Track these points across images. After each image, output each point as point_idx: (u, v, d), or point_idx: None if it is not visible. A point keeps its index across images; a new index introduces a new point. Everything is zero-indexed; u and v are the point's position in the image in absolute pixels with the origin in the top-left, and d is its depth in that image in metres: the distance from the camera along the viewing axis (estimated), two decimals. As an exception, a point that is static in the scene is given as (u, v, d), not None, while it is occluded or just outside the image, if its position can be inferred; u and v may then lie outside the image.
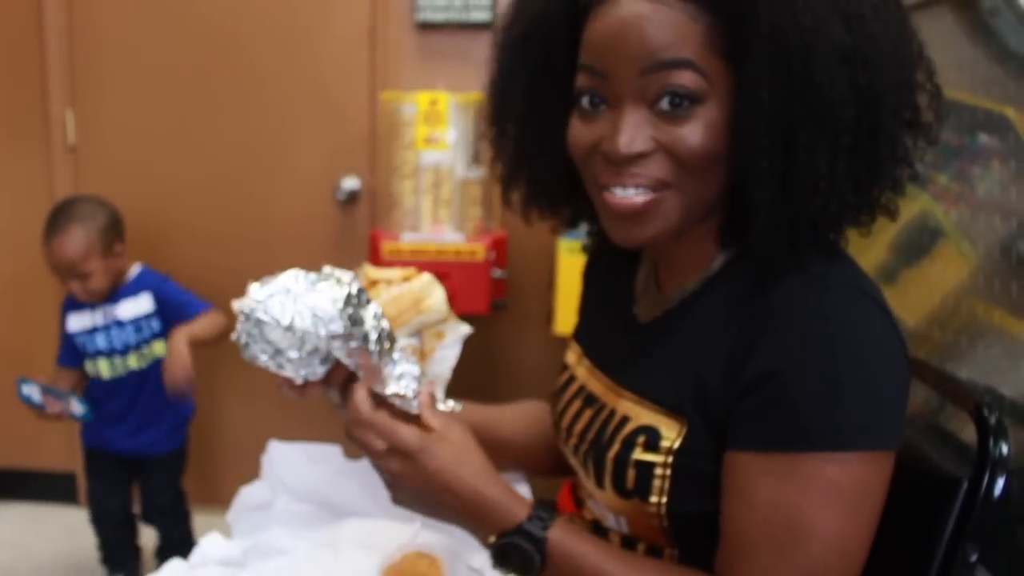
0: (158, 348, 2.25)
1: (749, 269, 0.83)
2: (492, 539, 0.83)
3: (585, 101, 0.83)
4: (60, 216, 2.14)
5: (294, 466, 1.18)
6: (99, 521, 2.37)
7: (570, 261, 2.18)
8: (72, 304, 2.23)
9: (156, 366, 2.23)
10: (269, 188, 2.71)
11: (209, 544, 1.09)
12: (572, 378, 1.03)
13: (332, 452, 1.19)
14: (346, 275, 0.87)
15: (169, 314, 2.25)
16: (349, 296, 0.84)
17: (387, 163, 2.52)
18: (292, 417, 2.34)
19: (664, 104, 0.78)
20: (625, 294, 1.01)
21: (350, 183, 2.64)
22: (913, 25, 0.81)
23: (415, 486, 0.85)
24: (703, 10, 0.77)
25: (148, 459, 2.33)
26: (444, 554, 1.09)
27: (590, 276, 1.14)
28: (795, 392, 0.74)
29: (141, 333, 2.23)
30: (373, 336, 0.84)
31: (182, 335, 2.14)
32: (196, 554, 1.08)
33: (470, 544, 1.12)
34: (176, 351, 2.12)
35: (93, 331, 2.22)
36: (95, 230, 2.13)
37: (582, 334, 1.09)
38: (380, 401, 0.86)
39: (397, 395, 0.86)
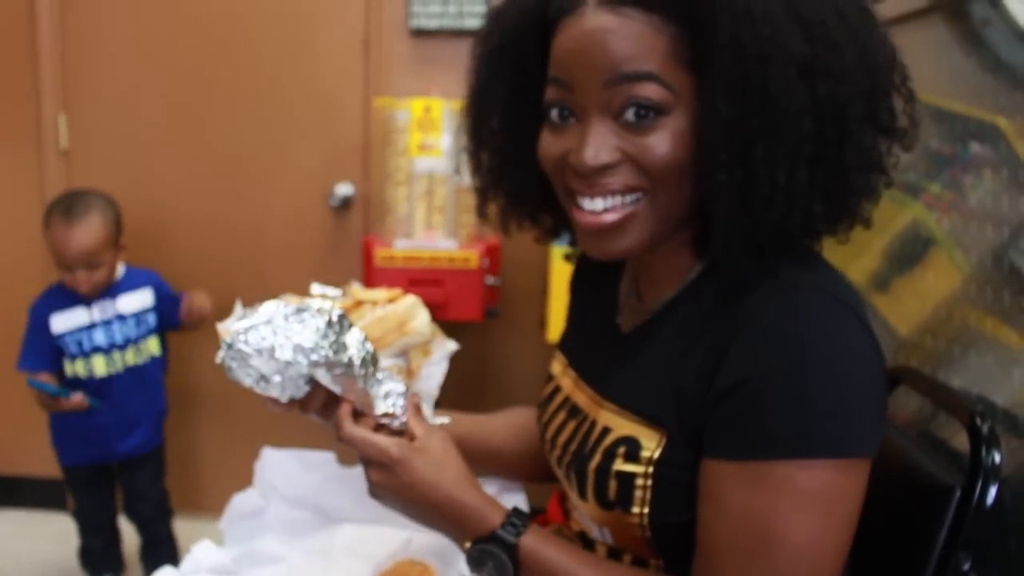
0: (152, 345, 2.30)
1: (720, 279, 0.83)
2: (468, 545, 0.86)
3: (554, 114, 0.84)
4: (76, 205, 2.13)
5: (286, 473, 1.18)
6: (90, 533, 2.36)
7: (563, 268, 2.17)
8: (55, 304, 2.21)
9: (150, 363, 2.29)
10: (263, 194, 2.71)
11: (201, 552, 1.09)
12: (558, 389, 1.04)
13: (325, 459, 1.19)
14: (327, 303, 0.88)
15: (164, 310, 2.32)
16: (330, 323, 0.85)
17: (381, 169, 2.53)
18: (274, 422, 2.33)
19: (629, 115, 0.79)
20: (609, 304, 1.01)
21: (344, 189, 2.64)
22: (884, 32, 0.80)
23: (395, 494, 0.88)
24: (667, 21, 0.77)
25: (135, 458, 2.33)
26: (436, 561, 1.08)
27: (576, 285, 1.14)
28: (764, 400, 0.74)
29: (140, 327, 2.26)
30: (357, 361, 0.86)
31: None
32: (187, 562, 1.08)
33: (460, 552, 1.12)
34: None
35: (91, 327, 2.21)
36: (111, 221, 2.18)
37: (567, 344, 1.09)
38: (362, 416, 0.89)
39: (386, 414, 0.89)
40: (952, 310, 1.20)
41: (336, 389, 0.87)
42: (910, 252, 1.36)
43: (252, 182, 2.70)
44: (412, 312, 1.01)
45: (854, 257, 1.53)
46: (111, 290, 2.23)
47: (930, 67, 1.37)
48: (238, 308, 0.87)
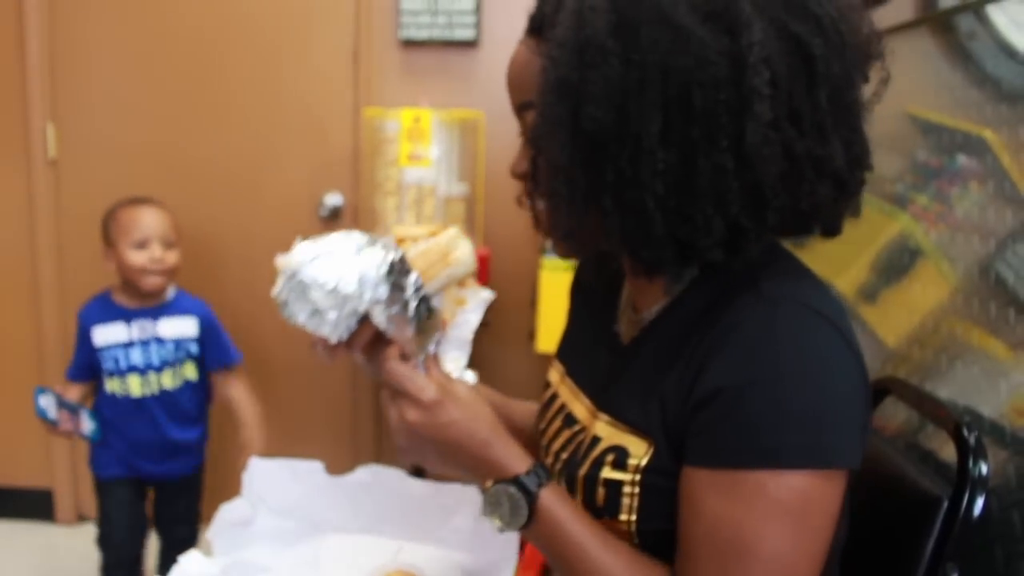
0: (189, 371, 2.20)
1: (707, 288, 0.84)
2: (489, 484, 0.86)
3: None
4: (139, 198, 2.16)
5: (275, 482, 1.17)
6: (115, 556, 2.23)
7: (552, 279, 2.19)
8: (99, 316, 2.14)
9: (186, 388, 2.19)
10: (252, 204, 2.70)
11: (189, 562, 1.08)
12: (555, 396, 1.04)
13: (314, 468, 1.18)
14: (391, 242, 0.89)
15: (208, 348, 2.22)
16: (393, 263, 0.86)
17: (370, 180, 2.53)
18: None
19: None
20: (609, 311, 1.01)
21: (333, 199, 2.64)
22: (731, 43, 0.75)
23: (428, 435, 0.87)
24: (541, 44, 0.80)
25: (171, 482, 2.26)
26: (424, 571, 1.08)
27: (575, 292, 1.14)
28: (738, 410, 0.74)
29: (179, 352, 2.17)
30: (413, 303, 0.87)
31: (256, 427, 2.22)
32: (175, 572, 1.07)
33: (451, 561, 1.12)
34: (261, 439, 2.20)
35: (129, 345, 2.13)
36: (173, 218, 2.17)
37: (566, 352, 1.10)
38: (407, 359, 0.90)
39: (430, 357, 0.91)
40: (939, 321, 1.21)
41: (389, 329, 0.87)
42: (897, 263, 1.37)
43: (241, 192, 2.70)
44: (455, 243, 1.01)
45: (842, 268, 1.54)
46: (155, 310, 2.15)
47: (917, 80, 1.38)
48: (300, 246, 0.87)
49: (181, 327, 2.17)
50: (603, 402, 0.91)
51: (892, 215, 1.41)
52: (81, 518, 2.92)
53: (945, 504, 0.92)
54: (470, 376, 0.98)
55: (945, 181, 1.26)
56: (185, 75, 2.65)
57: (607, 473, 0.85)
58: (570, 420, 0.97)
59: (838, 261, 1.54)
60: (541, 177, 0.84)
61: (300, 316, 0.87)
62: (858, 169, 0.80)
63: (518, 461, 0.86)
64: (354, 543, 1.15)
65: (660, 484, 0.81)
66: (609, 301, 1.02)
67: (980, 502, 0.91)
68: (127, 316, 2.13)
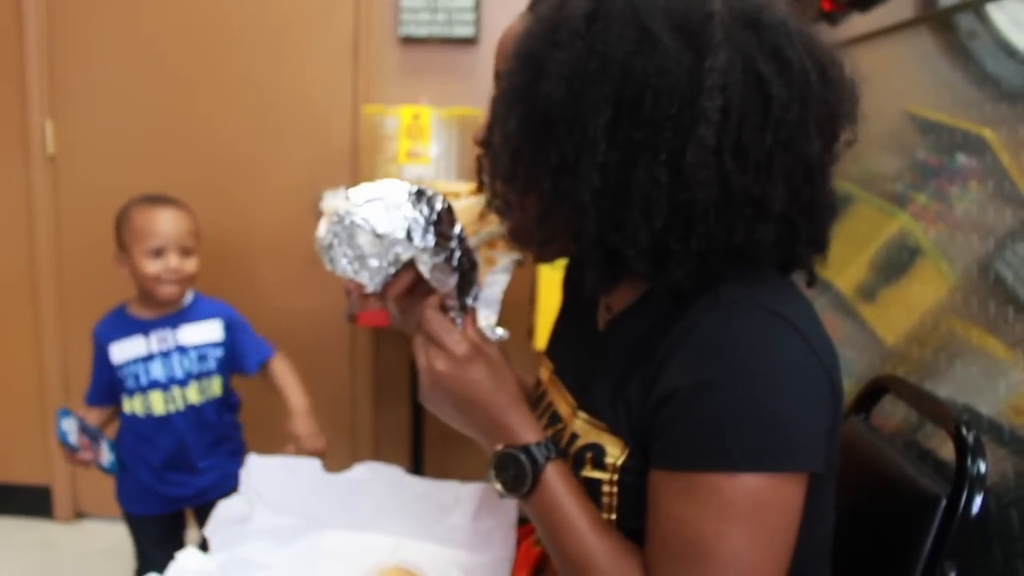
0: (216, 386, 2.00)
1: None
2: (499, 447, 0.87)
3: None
4: (156, 197, 1.96)
5: (272, 479, 1.17)
6: None
7: (550, 277, 2.18)
8: (115, 332, 1.96)
9: (211, 404, 2.00)
10: (251, 200, 2.70)
11: (185, 558, 1.08)
12: (543, 395, 1.05)
13: (311, 465, 1.18)
14: (439, 193, 0.89)
15: (239, 349, 2.04)
16: (441, 213, 0.87)
17: (369, 176, 2.52)
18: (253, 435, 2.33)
19: None
20: (593, 309, 1.02)
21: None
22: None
23: (451, 388, 0.89)
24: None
25: (209, 502, 2.06)
26: (422, 568, 1.08)
27: (567, 287, 1.15)
28: (692, 412, 0.74)
29: (204, 362, 1.98)
30: (457, 254, 0.88)
31: (302, 415, 1.97)
32: (172, 569, 1.07)
33: (448, 558, 1.12)
34: (308, 427, 1.96)
35: (149, 359, 1.94)
36: (193, 217, 1.98)
37: (554, 348, 1.11)
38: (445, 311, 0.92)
39: (468, 313, 0.92)
40: (938, 320, 1.20)
41: (433, 278, 0.89)
42: (897, 262, 1.37)
43: (240, 189, 2.69)
44: None
45: (841, 267, 1.54)
46: (173, 318, 1.98)
47: (917, 78, 1.38)
48: (352, 190, 0.88)
49: (204, 332, 2.00)
50: (583, 401, 0.92)
51: (891, 214, 1.41)
52: (79, 515, 2.92)
53: (943, 502, 0.92)
54: (501, 333, 0.99)
55: (945, 180, 1.26)
56: (184, 72, 2.64)
57: (587, 472, 0.85)
58: (555, 418, 0.97)
59: (837, 260, 1.53)
60: (493, 148, 0.86)
61: (342, 261, 0.89)
62: (810, 222, 0.80)
63: (532, 432, 0.87)
64: (351, 540, 1.15)
65: (637, 484, 0.81)
66: (593, 297, 1.02)
67: (978, 500, 0.91)
68: (144, 328, 1.96)
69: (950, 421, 0.98)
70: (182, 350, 1.96)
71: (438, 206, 0.87)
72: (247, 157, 2.67)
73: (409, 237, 0.85)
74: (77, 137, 2.68)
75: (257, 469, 1.17)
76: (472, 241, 0.95)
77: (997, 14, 1.21)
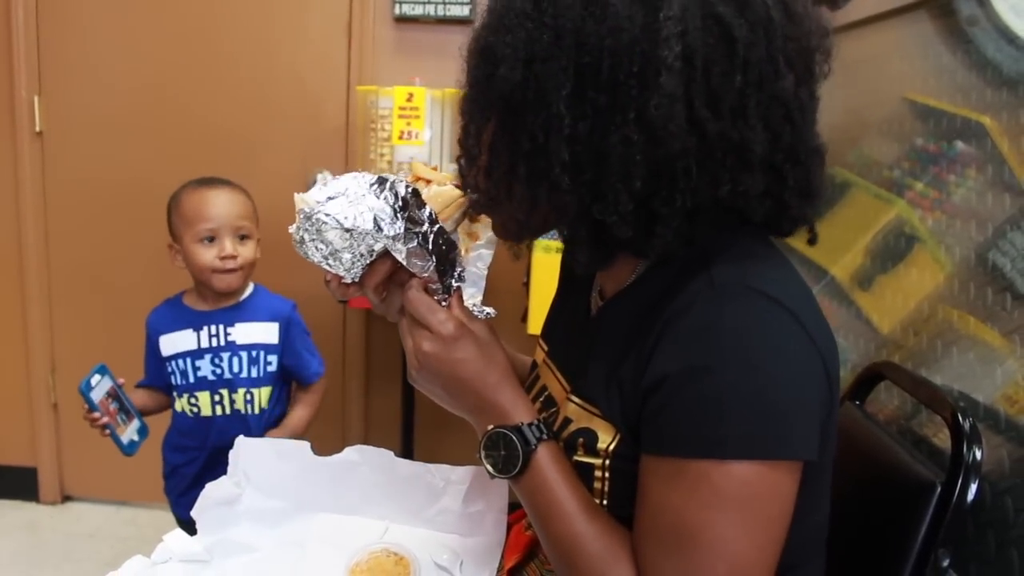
0: (264, 396, 1.87)
1: (665, 272, 0.83)
2: (490, 427, 0.87)
3: None
4: (210, 179, 1.86)
5: (261, 462, 1.16)
6: None
7: (545, 260, 2.17)
8: (167, 323, 1.85)
9: (256, 416, 1.87)
10: (242, 180, 2.65)
11: (173, 540, 1.07)
12: (537, 377, 1.04)
13: (300, 448, 1.17)
14: (402, 179, 0.89)
15: (288, 356, 1.90)
16: (406, 199, 0.86)
17: (362, 157, 2.50)
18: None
19: None
20: (587, 293, 1.01)
21: (324, 176, 2.61)
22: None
23: (440, 368, 0.88)
24: None
25: None
26: (411, 552, 1.07)
27: (564, 270, 1.15)
28: (681, 398, 0.73)
29: (256, 366, 1.85)
30: (430, 237, 0.87)
31: (286, 432, 1.85)
32: (159, 550, 1.06)
33: (438, 542, 1.11)
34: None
35: (198, 354, 1.83)
36: (251, 200, 1.86)
37: (549, 332, 1.10)
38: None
39: (453, 293, 0.91)
40: (935, 308, 1.20)
41: (409, 264, 0.88)
42: (893, 249, 1.36)
43: (230, 167, 2.65)
44: None
45: (837, 254, 1.53)
46: (228, 312, 1.85)
47: (915, 64, 1.37)
48: (319, 179, 0.87)
49: (259, 333, 1.85)
50: (576, 386, 0.91)
51: (889, 201, 1.40)
52: (65, 497, 2.91)
53: (938, 489, 0.92)
54: (489, 311, 0.99)
55: (943, 167, 1.25)
56: (174, 47, 2.61)
57: (579, 457, 0.85)
58: (549, 402, 0.96)
59: (834, 247, 1.53)
60: (468, 148, 0.86)
61: (315, 256, 0.88)
62: (796, 165, 0.78)
63: (524, 411, 0.87)
64: (340, 523, 1.14)
65: (629, 469, 0.80)
66: (588, 281, 1.01)
67: (973, 488, 0.91)
68: (196, 321, 1.83)
69: (946, 408, 0.97)
70: (234, 348, 1.84)
71: (401, 191, 0.86)
72: (239, 135, 2.64)
73: (378, 227, 0.85)
74: (65, 113, 2.66)
75: (246, 451, 1.16)
76: (450, 224, 0.94)
77: (998, 0, 1.20)
